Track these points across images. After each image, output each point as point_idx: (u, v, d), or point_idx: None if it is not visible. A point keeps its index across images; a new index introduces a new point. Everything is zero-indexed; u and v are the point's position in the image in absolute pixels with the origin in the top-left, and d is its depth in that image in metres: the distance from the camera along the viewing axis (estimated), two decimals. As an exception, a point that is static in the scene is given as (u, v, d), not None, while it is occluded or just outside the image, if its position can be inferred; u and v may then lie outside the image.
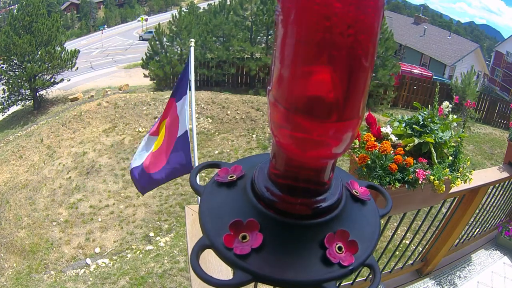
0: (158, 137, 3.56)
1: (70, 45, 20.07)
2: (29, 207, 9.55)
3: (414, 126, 1.81)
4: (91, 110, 13.56)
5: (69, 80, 17.50)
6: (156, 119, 4.14)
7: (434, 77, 21.20)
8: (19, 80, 15.73)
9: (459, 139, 1.84)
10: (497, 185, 2.85)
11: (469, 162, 1.89)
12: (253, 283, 0.78)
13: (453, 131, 1.83)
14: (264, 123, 12.89)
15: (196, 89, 14.81)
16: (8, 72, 15.79)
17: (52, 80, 16.51)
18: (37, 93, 16.63)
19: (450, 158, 1.80)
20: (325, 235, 0.54)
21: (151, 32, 28.79)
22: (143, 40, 29.40)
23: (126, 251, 8.13)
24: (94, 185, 10.16)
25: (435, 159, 1.74)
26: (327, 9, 0.40)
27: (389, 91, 15.59)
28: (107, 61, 26.03)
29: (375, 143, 1.72)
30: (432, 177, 1.68)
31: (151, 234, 8.63)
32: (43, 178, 10.65)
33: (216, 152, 11.64)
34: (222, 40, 16.35)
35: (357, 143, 1.79)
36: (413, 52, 27.39)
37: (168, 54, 16.06)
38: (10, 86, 15.83)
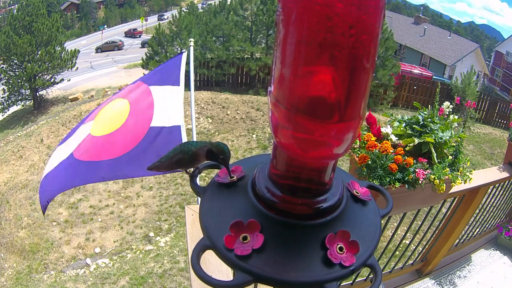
0: (95, 120, 2.89)
1: (70, 45, 20.07)
2: (29, 207, 9.54)
3: (414, 126, 1.80)
4: (91, 110, 13.55)
5: (69, 80, 17.51)
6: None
7: (434, 77, 21.20)
8: (19, 80, 15.73)
9: (459, 139, 1.84)
10: (497, 185, 2.85)
11: (469, 162, 1.88)
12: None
13: (453, 131, 1.83)
14: (264, 123, 12.88)
15: (196, 89, 14.79)
16: (8, 72, 15.79)
17: (52, 80, 16.51)
18: (37, 93, 16.63)
19: (450, 158, 1.79)
20: (326, 235, 0.54)
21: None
22: (102, 51, 28.46)
23: (126, 251, 8.12)
24: (94, 185, 10.15)
25: (435, 159, 1.74)
26: (329, 9, 0.40)
27: (389, 91, 15.59)
28: (107, 61, 26.02)
29: (376, 143, 1.71)
30: (432, 176, 1.68)
31: (151, 234, 8.62)
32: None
33: (216, 152, 11.62)
34: (222, 40, 16.35)
35: (358, 143, 1.79)
36: (413, 52, 27.38)
37: (168, 54, 16.06)
38: (10, 86, 15.83)
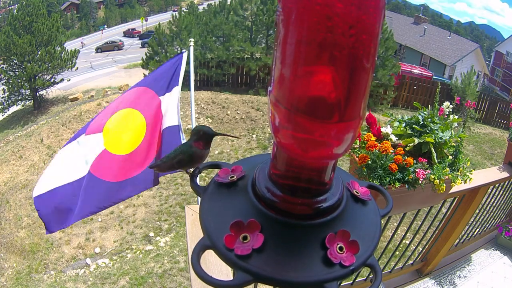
0: (106, 134, 2.86)
1: (70, 45, 20.07)
2: (29, 207, 9.54)
3: (414, 126, 1.80)
4: (91, 110, 13.56)
5: (69, 80, 17.51)
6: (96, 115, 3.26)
7: (434, 77, 21.20)
8: (19, 80, 15.72)
9: (459, 139, 1.84)
10: (497, 185, 2.85)
11: (469, 162, 1.88)
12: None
13: (453, 131, 1.83)
14: (264, 123, 12.88)
15: (196, 89, 14.79)
16: (8, 72, 15.79)
17: (52, 80, 16.51)
18: (37, 93, 16.63)
19: (450, 158, 1.79)
20: (326, 235, 0.54)
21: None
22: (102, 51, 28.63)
23: (126, 251, 8.12)
24: (94, 185, 10.13)
25: (435, 159, 1.74)
26: (329, 9, 0.40)
27: (389, 91, 15.58)
28: (107, 61, 26.02)
29: (376, 143, 1.71)
30: (432, 176, 1.68)
31: (151, 234, 8.62)
32: (43, 178, 10.63)
33: (216, 152, 11.63)
34: (222, 40, 16.35)
35: (358, 143, 1.79)
36: (413, 52, 27.38)
37: (168, 54, 16.05)
38: (10, 86, 15.83)
